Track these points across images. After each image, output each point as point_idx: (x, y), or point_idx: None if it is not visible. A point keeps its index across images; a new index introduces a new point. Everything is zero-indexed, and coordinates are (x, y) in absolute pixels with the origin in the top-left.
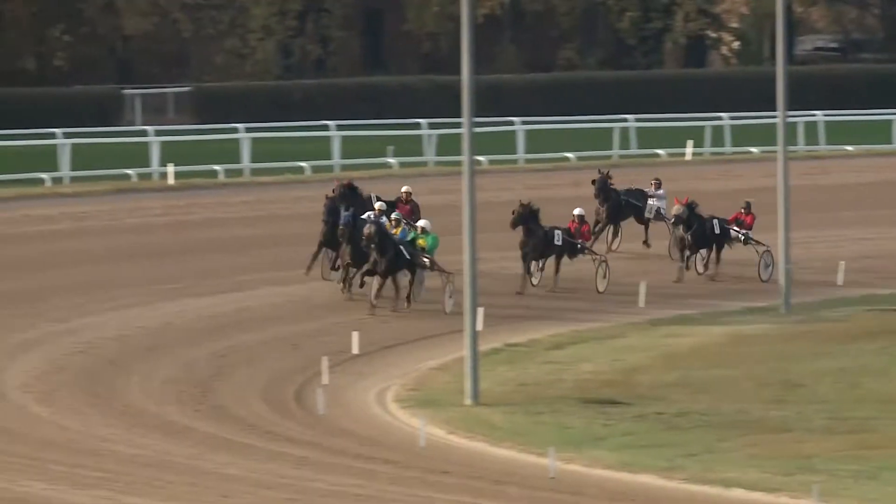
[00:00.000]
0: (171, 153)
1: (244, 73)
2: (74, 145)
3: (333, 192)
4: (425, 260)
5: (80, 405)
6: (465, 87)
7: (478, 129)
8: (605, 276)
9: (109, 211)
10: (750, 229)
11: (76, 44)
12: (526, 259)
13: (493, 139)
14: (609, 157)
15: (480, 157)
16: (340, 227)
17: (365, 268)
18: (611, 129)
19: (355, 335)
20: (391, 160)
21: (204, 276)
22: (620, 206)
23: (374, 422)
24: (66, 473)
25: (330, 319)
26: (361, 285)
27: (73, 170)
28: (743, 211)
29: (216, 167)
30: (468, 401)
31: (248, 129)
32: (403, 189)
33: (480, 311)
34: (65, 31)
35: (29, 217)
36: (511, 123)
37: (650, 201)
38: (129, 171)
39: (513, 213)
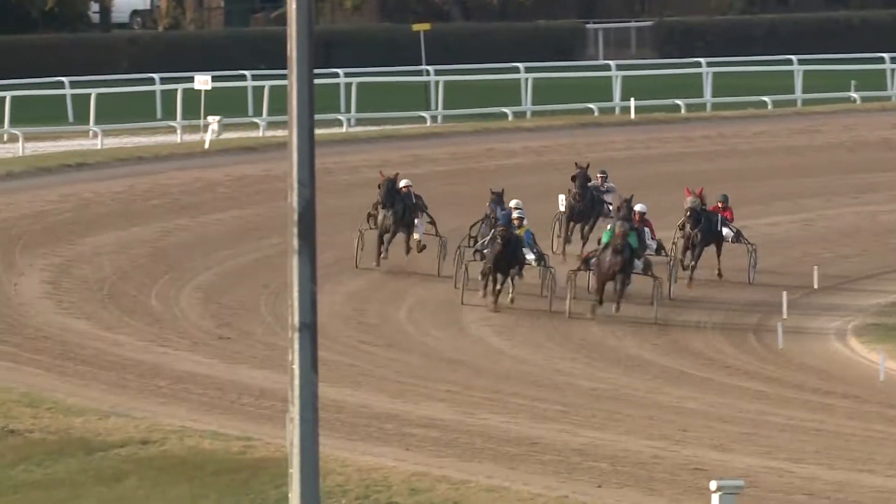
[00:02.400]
0: (632, 88)
1: (707, 8)
2: (536, 80)
3: (379, 186)
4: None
5: (540, 339)
6: None
7: None
8: (675, 281)
9: (570, 145)
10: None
11: None
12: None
13: None
14: None
15: None
16: (501, 226)
17: (603, 272)
18: None
19: (815, 270)
20: (854, 95)
21: (666, 211)
22: (595, 203)
23: (833, 356)
24: (526, 407)
25: (789, 254)
26: (597, 295)
27: (534, 104)
28: (720, 205)
29: (678, 101)
30: None
31: (710, 64)
32: (403, 183)
33: None
34: None
35: (492, 151)
36: None
37: (609, 197)
38: (591, 106)
39: (618, 209)
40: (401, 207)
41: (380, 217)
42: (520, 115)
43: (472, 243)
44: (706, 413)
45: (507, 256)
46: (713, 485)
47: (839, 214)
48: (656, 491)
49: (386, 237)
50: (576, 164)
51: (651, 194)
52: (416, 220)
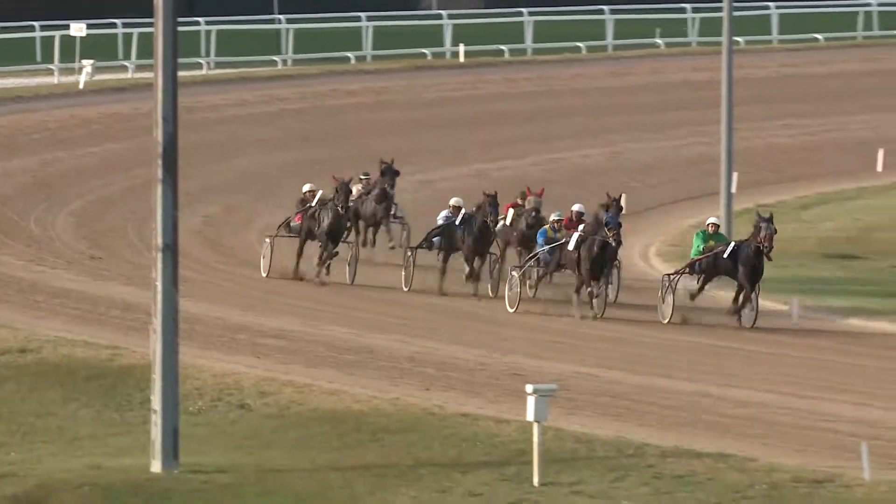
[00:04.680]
0: (462, 34)
1: None
2: (376, 27)
3: (337, 190)
4: None
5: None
6: None
7: (737, 14)
8: None
9: (407, 86)
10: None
11: None
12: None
13: (750, 22)
14: (854, 38)
15: (738, 38)
16: (615, 231)
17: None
18: (855, 13)
19: (623, 196)
20: (659, 41)
21: (491, 145)
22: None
23: (637, 274)
24: (367, 319)
25: (599, 182)
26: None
27: (374, 49)
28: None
29: (502, 47)
30: None
31: (532, 13)
32: (306, 188)
33: (735, 175)
34: None
35: (336, 91)
36: (766, 8)
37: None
38: (424, 51)
39: (606, 207)
40: (346, 219)
41: (327, 223)
42: (361, 59)
43: (426, 246)
44: (526, 325)
45: (602, 261)
46: (529, 388)
47: (645, 148)
48: (479, 394)
49: (329, 247)
50: (381, 160)
51: (479, 129)
52: None
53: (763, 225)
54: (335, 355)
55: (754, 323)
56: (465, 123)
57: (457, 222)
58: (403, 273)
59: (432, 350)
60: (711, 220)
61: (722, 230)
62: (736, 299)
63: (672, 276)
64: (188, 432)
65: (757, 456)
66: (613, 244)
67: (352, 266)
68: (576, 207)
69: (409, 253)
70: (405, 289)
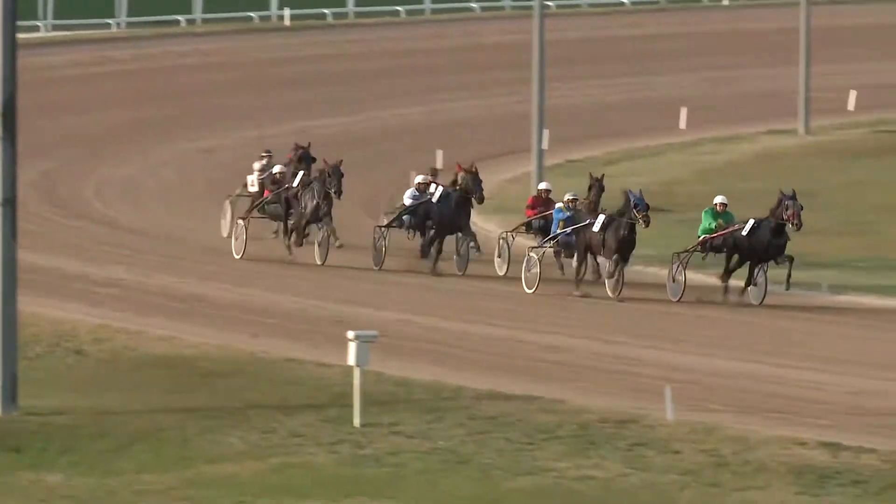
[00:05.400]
0: None
1: None
2: None
3: (329, 174)
4: None
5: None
6: None
7: None
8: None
9: (234, 49)
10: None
11: None
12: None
13: None
14: (658, 2)
15: (549, 3)
16: (644, 213)
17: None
18: None
19: (439, 153)
20: (474, 5)
21: (314, 105)
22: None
23: None
24: (195, 269)
25: (417, 139)
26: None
27: (204, 13)
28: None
29: (325, 10)
30: None
31: None
32: (276, 169)
33: (546, 132)
34: None
35: (167, 53)
36: None
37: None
38: (252, 14)
39: (589, 188)
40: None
41: (313, 204)
42: (192, 23)
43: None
44: (352, 275)
45: (631, 243)
46: (350, 334)
47: (461, 107)
48: (303, 340)
49: (309, 227)
50: (295, 143)
51: (306, 88)
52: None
53: (790, 203)
54: (166, 303)
55: (763, 300)
56: (290, 84)
57: (434, 199)
58: (374, 253)
59: (260, 298)
60: (719, 198)
61: (531, 184)
62: (750, 277)
63: (682, 255)
64: (26, 377)
65: (566, 398)
66: (644, 226)
67: (323, 246)
68: (542, 185)
69: (380, 232)
70: (376, 268)
